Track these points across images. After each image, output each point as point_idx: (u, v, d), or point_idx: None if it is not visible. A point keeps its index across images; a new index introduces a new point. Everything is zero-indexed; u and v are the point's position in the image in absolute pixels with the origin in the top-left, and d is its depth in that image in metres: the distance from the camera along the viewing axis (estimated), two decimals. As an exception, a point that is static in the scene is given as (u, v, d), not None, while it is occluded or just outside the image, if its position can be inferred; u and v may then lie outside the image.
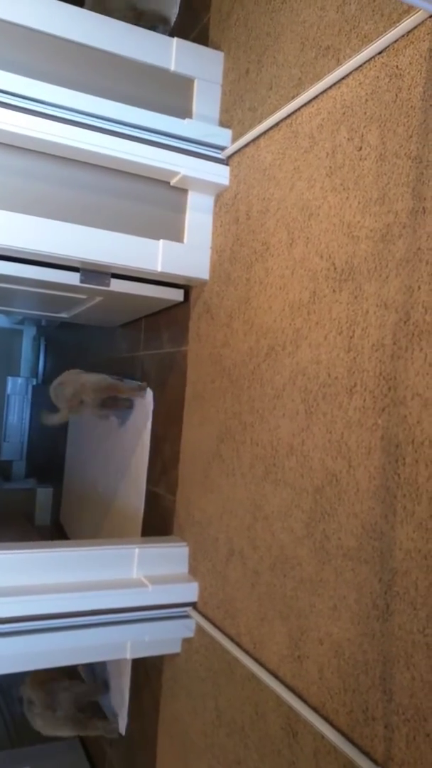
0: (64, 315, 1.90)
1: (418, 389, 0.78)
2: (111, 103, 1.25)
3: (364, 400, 0.87)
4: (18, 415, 3.35)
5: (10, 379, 3.33)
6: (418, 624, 0.72)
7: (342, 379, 0.92)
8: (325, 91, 1.05)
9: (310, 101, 1.09)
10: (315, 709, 0.89)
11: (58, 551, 1.26)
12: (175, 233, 1.38)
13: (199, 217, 1.41)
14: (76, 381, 1.85)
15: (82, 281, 1.41)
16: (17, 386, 3.36)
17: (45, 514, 2.69)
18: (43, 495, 2.71)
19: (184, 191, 1.39)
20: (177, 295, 1.53)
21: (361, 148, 0.95)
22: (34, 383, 3.32)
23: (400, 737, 0.74)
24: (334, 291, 0.97)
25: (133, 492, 1.75)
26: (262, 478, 1.11)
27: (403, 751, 0.73)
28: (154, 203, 1.36)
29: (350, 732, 0.82)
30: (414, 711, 0.72)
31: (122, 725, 1.65)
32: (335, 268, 0.97)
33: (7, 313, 2.69)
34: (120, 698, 1.66)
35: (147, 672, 1.51)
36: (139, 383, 1.80)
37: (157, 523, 1.57)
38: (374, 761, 0.77)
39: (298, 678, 0.94)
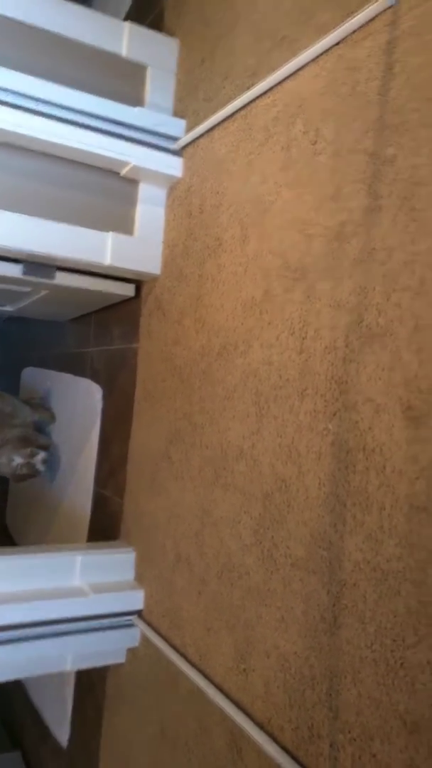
0: (8, 308, 1.81)
1: (369, 394, 0.75)
2: (59, 87, 1.18)
3: (315, 404, 0.84)
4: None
5: None
6: (366, 639, 0.69)
7: (293, 382, 0.89)
8: (280, 82, 1.02)
9: (265, 92, 1.05)
10: (260, 725, 0.86)
11: (-6, 559, 1.19)
12: (125, 226, 1.33)
13: (150, 209, 1.35)
14: None
15: (24, 273, 1.33)
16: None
17: (-11, 515, 2.58)
18: (-12, 495, 2.59)
19: (135, 182, 1.33)
20: (127, 290, 1.47)
21: (316, 143, 0.92)
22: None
23: (345, 757, 0.71)
24: (286, 290, 0.93)
25: (80, 493, 1.68)
26: (212, 483, 1.07)
27: (348, 770, 0.70)
28: (104, 194, 1.30)
29: (295, 750, 0.79)
30: (360, 730, 0.69)
31: (64, 737, 1.58)
32: (288, 267, 0.94)
33: None
34: (62, 708, 1.60)
35: (91, 681, 1.45)
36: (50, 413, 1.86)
37: (105, 526, 1.51)
38: (319, 780, 0.74)
39: (243, 692, 0.90)
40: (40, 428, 1.97)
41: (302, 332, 0.89)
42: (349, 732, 0.70)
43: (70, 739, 1.55)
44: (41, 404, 2.01)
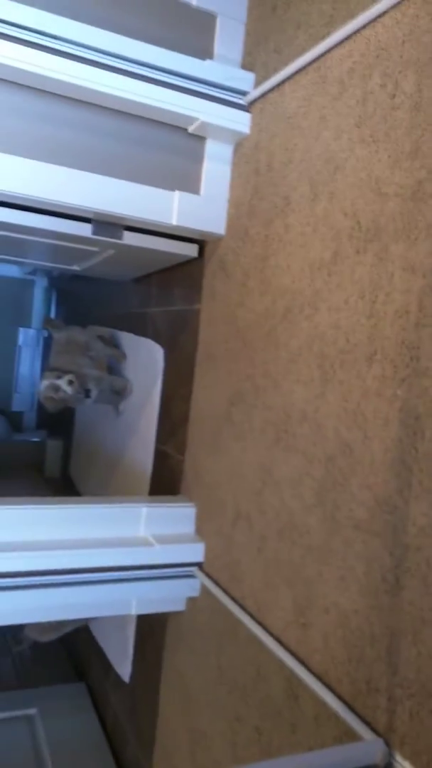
0: (75, 267, 1.85)
1: (442, 360, 0.73)
2: (126, 39, 1.17)
3: (384, 370, 0.83)
4: (29, 366, 3.34)
5: (21, 330, 3.30)
6: (429, 601, 0.70)
7: (361, 346, 0.88)
8: (358, 30, 0.97)
9: (341, 42, 1.01)
10: (317, 676, 0.89)
11: (66, 508, 1.26)
12: (191, 184, 1.32)
13: (216, 167, 1.34)
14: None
15: (94, 233, 1.36)
16: (28, 337, 3.33)
17: (54, 466, 2.71)
18: (53, 447, 2.72)
19: (202, 139, 1.31)
20: (191, 250, 1.47)
21: (394, 96, 0.88)
22: (45, 335, 3.29)
23: (403, 710, 0.73)
24: (357, 251, 0.92)
25: (141, 450, 1.74)
26: (273, 444, 1.08)
27: (405, 724, 0.73)
28: (171, 151, 1.29)
29: (352, 701, 0.82)
30: (419, 686, 0.71)
31: (126, 674, 1.69)
32: (360, 227, 0.91)
33: (18, 264, 2.64)
34: (124, 647, 1.70)
35: (151, 625, 1.54)
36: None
37: (165, 482, 1.56)
38: (375, 731, 0.77)
39: (301, 644, 0.94)
40: (112, 366, 2.01)
41: (372, 295, 0.87)
42: (408, 688, 0.73)
43: (132, 676, 1.65)
44: (112, 341, 2.05)
